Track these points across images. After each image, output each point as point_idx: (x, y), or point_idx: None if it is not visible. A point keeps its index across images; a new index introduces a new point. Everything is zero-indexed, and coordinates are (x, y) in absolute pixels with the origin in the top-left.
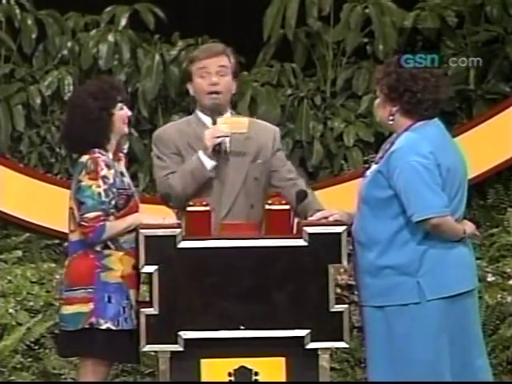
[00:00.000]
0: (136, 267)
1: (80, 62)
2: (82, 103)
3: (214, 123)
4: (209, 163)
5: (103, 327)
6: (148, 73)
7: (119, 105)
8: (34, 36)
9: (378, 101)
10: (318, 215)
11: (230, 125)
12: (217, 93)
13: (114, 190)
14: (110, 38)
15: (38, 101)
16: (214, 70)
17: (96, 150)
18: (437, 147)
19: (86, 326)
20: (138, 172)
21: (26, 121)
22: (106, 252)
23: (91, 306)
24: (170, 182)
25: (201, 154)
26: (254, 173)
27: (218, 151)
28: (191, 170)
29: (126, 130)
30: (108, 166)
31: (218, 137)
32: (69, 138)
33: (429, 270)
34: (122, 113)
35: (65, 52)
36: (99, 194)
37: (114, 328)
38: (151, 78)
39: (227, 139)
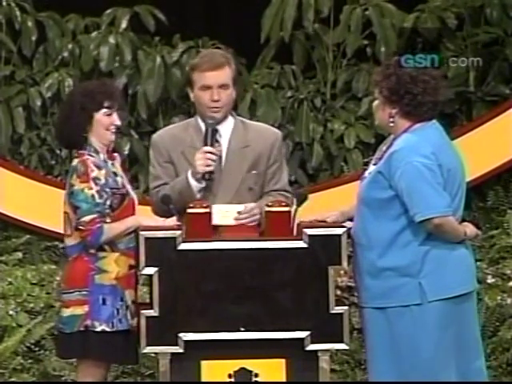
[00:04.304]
0: (133, 267)
1: (80, 64)
2: (68, 99)
3: (213, 131)
4: (196, 186)
5: (98, 329)
6: (149, 75)
7: (104, 110)
8: (34, 38)
9: (376, 103)
10: (318, 217)
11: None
12: (217, 107)
13: (107, 189)
14: (111, 40)
15: (39, 103)
16: (215, 84)
17: (86, 151)
18: (437, 148)
19: (82, 329)
20: (139, 174)
21: (26, 123)
22: (101, 254)
23: (86, 308)
24: (159, 197)
25: (189, 175)
26: (249, 183)
27: (208, 179)
28: (179, 189)
29: (111, 137)
30: (98, 167)
31: (210, 165)
32: (54, 130)
33: (430, 271)
34: (105, 119)
35: (65, 54)
36: (92, 196)
37: (108, 330)
38: (152, 80)
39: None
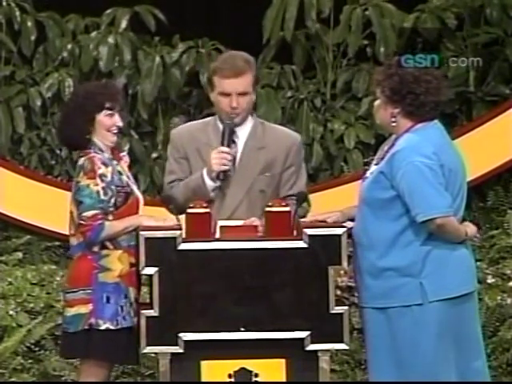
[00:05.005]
0: (135, 265)
1: (80, 64)
2: (72, 99)
3: (231, 131)
4: (210, 185)
5: (102, 328)
6: (148, 75)
7: (105, 112)
8: (34, 38)
9: (378, 102)
10: (318, 217)
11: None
12: (236, 113)
13: (113, 187)
14: (111, 40)
15: (39, 103)
16: (235, 91)
17: (91, 150)
18: (439, 148)
19: (86, 327)
20: (139, 174)
21: (26, 123)
22: (104, 252)
23: (90, 307)
24: (173, 192)
25: (204, 174)
26: (260, 185)
27: (222, 179)
28: (193, 187)
29: (113, 138)
30: (105, 164)
31: (225, 164)
32: (57, 131)
33: (432, 271)
34: (106, 120)
35: (65, 54)
36: (97, 192)
37: (112, 328)
38: (151, 80)
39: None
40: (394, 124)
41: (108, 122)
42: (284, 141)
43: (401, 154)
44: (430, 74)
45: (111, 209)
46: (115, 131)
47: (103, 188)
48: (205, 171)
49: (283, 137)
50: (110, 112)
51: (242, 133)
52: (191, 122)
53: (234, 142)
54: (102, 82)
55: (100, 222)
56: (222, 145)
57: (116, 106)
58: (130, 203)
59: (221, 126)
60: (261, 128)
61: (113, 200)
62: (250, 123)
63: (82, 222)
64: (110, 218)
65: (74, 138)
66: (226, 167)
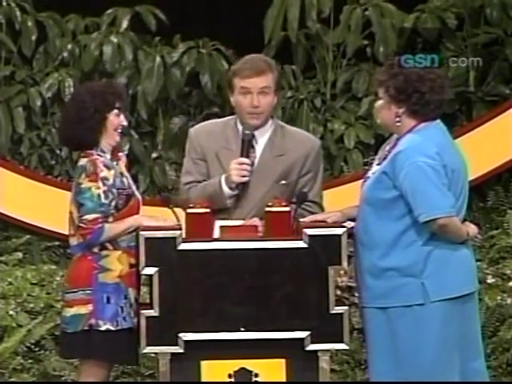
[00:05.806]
0: (135, 265)
1: (80, 64)
2: (79, 99)
3: (250, 141)
4: (228, 193)
5: (102, 328)
6: (149, 75)
7: (115, 111)
8: (34, 38)
9: (380, 102)
10: (318, 217)
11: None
12: (257, 113)
13: (114, 190)
14: (111, 40)
15: (39, 103)
16: (256, 90)
17: (94, 151)
18: (441, 148)
19: (86, 328)
20: (139, 174)
21: (26, 123)
22: (104, 253)
23: (90, 307)
24: (190, 195)
25: (223, 182)
26: (275, 193)
27: (241, 189)
28: (210, 193)
29: (118, 138)
30: (107, 167)
31: (245, 176)
32: (61, 131)
33: (433, 271)
34: (115, 119)
35: (65, 54)
36: (99, 195)
37: (113, 328)
38: (152, 79)
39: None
40: (398, 124)
41: (116, 122)
42: (303, 146)
43: (404, 154)
44: (433, 72)
45: (112, 211)
46: (119, 131)
47: (104, 191)
48: (223, 179)
49: (302, 142)
50: (118, 112)
51: (261, 139)
52: (210, 121)
53: (252, 147)
54: (107, 82)
55: (100, 225)
56: (242, 155)
57: (123, 105)
58: (131, 205)
59: (241, 129)
60: (280, 132)
61: (113, 203)
62: (269, 128)
63: (83, 224)
64: (111, 219)
65: (84, 138)
66: (246, 178)
